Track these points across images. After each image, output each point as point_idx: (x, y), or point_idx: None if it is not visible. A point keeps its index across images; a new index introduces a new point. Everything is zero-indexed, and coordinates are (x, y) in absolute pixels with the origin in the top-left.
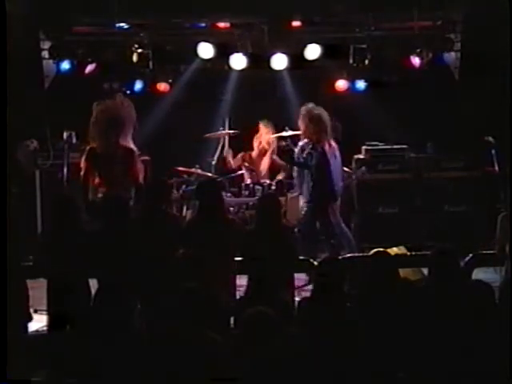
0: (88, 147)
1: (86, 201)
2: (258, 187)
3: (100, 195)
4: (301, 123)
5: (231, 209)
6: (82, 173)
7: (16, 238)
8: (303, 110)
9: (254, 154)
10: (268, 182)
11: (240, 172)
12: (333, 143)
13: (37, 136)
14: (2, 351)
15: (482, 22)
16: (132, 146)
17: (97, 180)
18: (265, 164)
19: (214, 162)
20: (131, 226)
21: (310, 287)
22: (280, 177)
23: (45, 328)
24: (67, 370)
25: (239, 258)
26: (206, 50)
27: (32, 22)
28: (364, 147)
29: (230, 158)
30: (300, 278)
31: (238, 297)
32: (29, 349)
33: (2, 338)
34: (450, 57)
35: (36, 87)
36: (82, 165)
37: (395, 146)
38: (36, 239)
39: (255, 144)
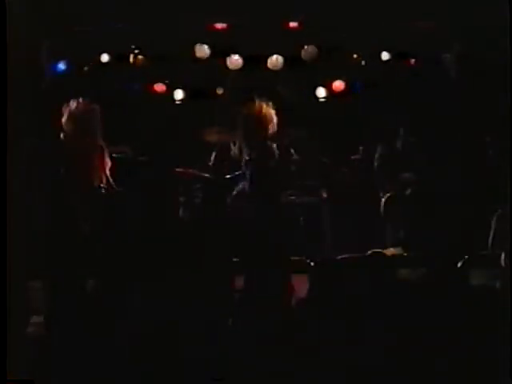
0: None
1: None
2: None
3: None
4: None
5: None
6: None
7: (16, 238)
8: None
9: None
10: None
11: (238, 173)
12: None
13: (36, 136)
14: (1, 351)
15: (482, 21)
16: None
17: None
18: None
19: (211, 163)
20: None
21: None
22: None
23: (45, 328)
24: (67, 369)
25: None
26: (202, 51)
27: (32, 22)
28: (361, 147)
29: None
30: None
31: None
32: (29, 349)
33: (2, 338)
34: (450, 57)
35: (35, 87)
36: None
37: None
38: (36, 239)
39: None
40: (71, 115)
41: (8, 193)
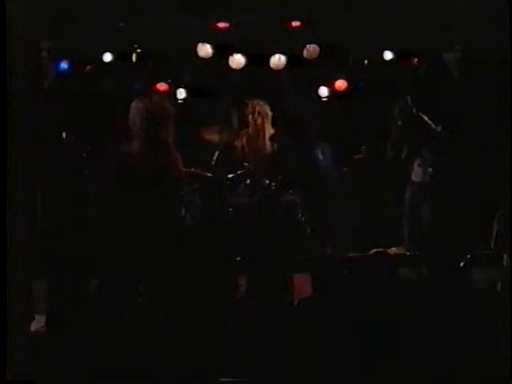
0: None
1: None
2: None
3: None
4: None
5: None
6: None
7: (16, 238)
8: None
9: (251, 130)
10: (268, 181)
11: (240, 172)
12: None
13: (37, 136)
14: (2, 351)
15: (482, 21)
16: (170, 141)
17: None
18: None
19: (213, 162)
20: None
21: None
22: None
23: (45, 328)
24: (67, 370)
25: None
26: (204, 50)
27: (32, 22)
28: (363, 147)
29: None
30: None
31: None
32: (29, 349)
33: (3, 337)
34: (450, 57)
35: (36, 87)
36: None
37: None
38: (36, 239)
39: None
40: (140, 110)
41: (8, 193)
